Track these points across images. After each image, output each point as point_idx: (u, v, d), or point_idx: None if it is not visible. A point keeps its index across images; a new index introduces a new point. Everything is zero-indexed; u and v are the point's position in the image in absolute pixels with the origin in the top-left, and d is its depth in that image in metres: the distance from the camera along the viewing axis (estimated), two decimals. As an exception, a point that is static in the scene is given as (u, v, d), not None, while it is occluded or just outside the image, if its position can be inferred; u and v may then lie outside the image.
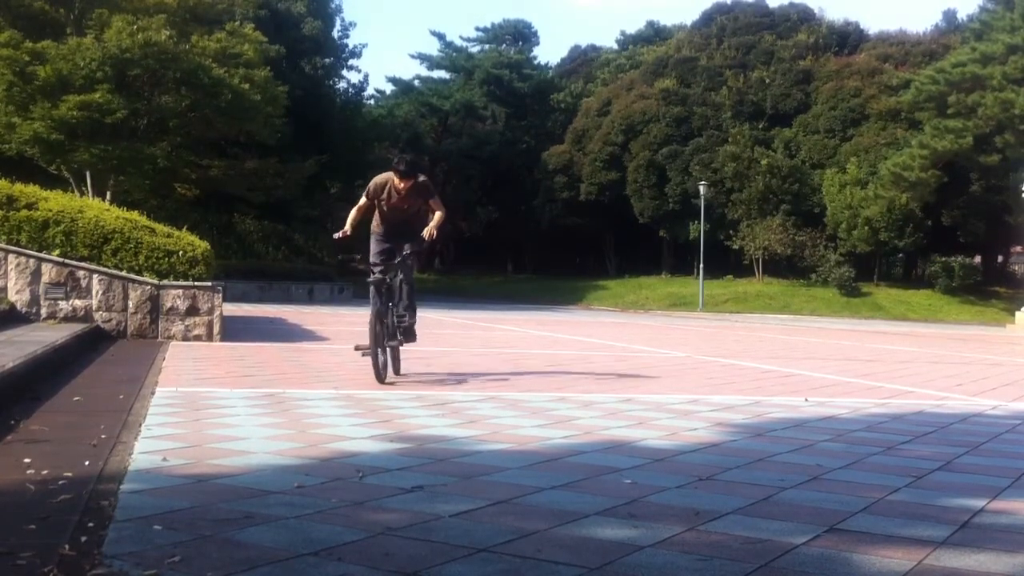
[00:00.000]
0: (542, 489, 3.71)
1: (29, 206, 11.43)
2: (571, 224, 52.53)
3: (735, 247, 43.00)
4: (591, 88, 57.91)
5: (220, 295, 11.52)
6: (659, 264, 49.82)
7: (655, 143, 46.66)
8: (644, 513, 3.37)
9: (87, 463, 3.89)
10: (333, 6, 45.51)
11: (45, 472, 3.70)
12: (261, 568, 2.60)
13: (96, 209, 12.41)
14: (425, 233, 7.39)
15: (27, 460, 3.91)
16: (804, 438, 5.23)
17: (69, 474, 3.67)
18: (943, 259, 39.83)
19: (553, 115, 58.72)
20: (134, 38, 25.26)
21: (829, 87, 44.50)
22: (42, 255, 11.00)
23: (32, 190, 12.17)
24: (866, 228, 38.90)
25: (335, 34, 45.81)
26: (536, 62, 63.13)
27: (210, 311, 11.31)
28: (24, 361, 6.38)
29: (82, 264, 11.07)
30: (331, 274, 33.93)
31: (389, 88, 63.55)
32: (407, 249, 7.37)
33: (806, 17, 51.63)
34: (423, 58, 62.54)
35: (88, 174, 26.55)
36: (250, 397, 6.23)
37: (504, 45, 63.22)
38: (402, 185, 7.22)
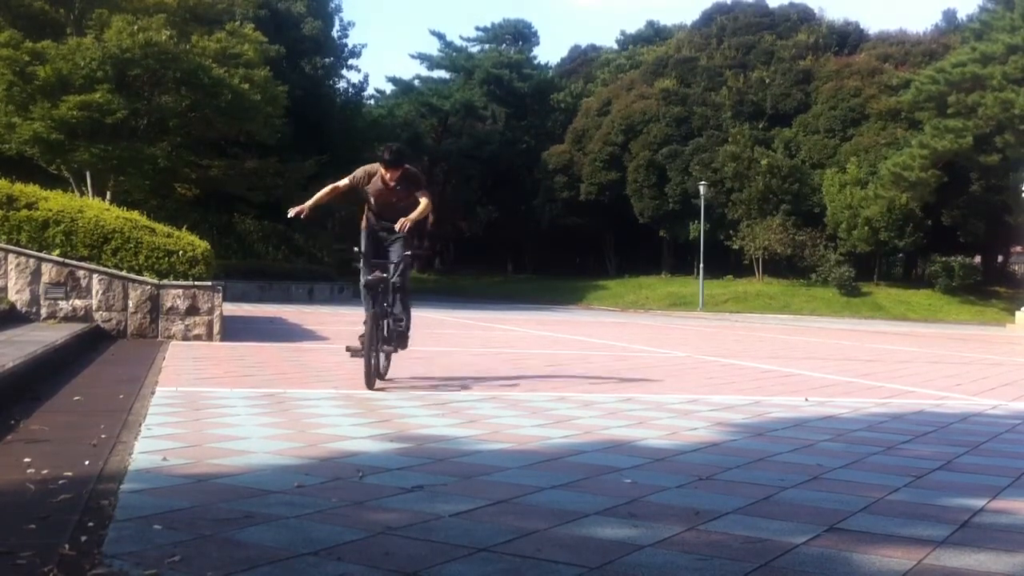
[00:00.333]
0: (542, 489, 3.71)
1: (29, 206, 11.43)
2: (571, 224, 52.55)
3: (735, 247, 43.00)
4: (591, 88, 57.93)
5: (220, 295, 11.52)
6: (659, 264, 49.83)
7: (655, 143, 46.67)
8: (644, 513, 3.37)
9: (87, 463, 3.89)
10: (332, 6, 45.53)
11: (45, 472, 3.70)
12: (261, 568, 2.60)
13: (96, 209, 12.41)
14: (401, 223, 6.93)
15: (27, 460, 3.91)
16: (804, 438, 5.23)
17: (69, 474, 3.67)
18: (943, 259, 39.84)
19: (553, 115, 58.73)
20: (134, 38, 25.26)
21: (829, 87, 44.51)
22: (42, 255, 11.00)
23: (32, 190, 12.16)
24: (866, 228, 38.91)
25: (334, 34, 45.83)
26: (536, 62, 63.17)
27: (210, 311, 11.31)
28: (24, 361, 6.38)
29: (82, 264, 11.07)
30: (331, 274, 33.92)
31: (389, 88, 63.68)
32: (401, 250, 7.08)
33: (806, 17, 51.64)
34: (423, 58, 62.61)
35: (88, 174, 26.54)
36: (250, 397, 6.23)
37: (504, 45, 63.23)
38: (389, 175, 6.91)
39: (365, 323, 6.97)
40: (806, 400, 7.07)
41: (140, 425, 4.92)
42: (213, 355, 9.38)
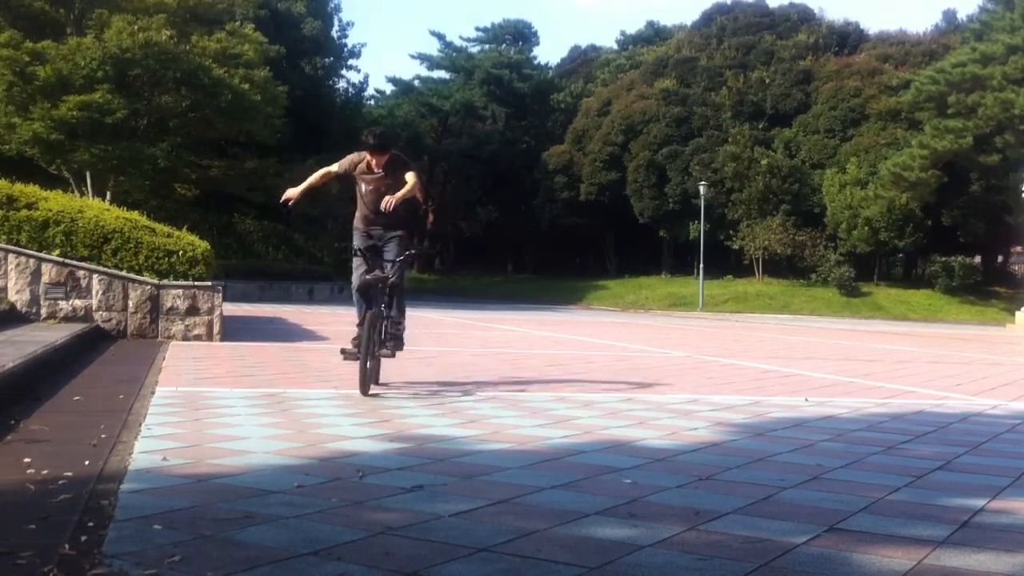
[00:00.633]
0: (542, 489, 3.71)
1: (29, 206, 11.43)
2: (571, 224, 52.55)
3: (735, 247, 43.01)
4: (591, 88, 57.93)
5: (220, 295, 11.52)
6: (659, 264, 49.83)
7: (655, 143, 46.67)
8: (644, 513, 3.37)
9: (87, 463, 3.89)
10: (332, 5, 45.53)
11: (45, 472, 3.70)
12: (261, 568, 2.60)
13: (96, 209, 12.41)
14: (386, 201, 6.46)
15: (27, 460, 3.91)
16: (804, 438, 5.23)
17: (69, 474, 3.67)
18: (943, 259, 39.85)
19: (553, 115, 58.73)
20: (134, 38, 25.27)
21: (829, 87, 44.51)
22: (42, 255, 11.00)
23: (32, 190, 12.16)
24: (866, 228, 38.91)
25: (334, 34, 45.84)
26: (536, 62, 63.15)
27: (210, 311, 11.31)
28: (24, 361, 6.38)
29: (82, 264, 11.07)
30: (331, 274, 33.91)
31: (389, 88, 63.66)
32: (397, 249, 6.74)
33: (806, 17, 51.64)
34: (423, 58, 62.59)
35: (88, 174, 26.55)
36: (250, 397, 6.23)
37: (504, 45, 63.21)
38: (375, 161, 6.57)
39: (358, 325, 6.73)
40: (806, 400, 7.07)
41: (140, 425, 4.92)
42: (213, 355, 9.38)
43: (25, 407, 5.38)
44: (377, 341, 6.57)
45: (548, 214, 52.72)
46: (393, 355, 6.76)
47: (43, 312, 10.89)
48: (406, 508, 3.33)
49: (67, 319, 10.83)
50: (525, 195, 54.57)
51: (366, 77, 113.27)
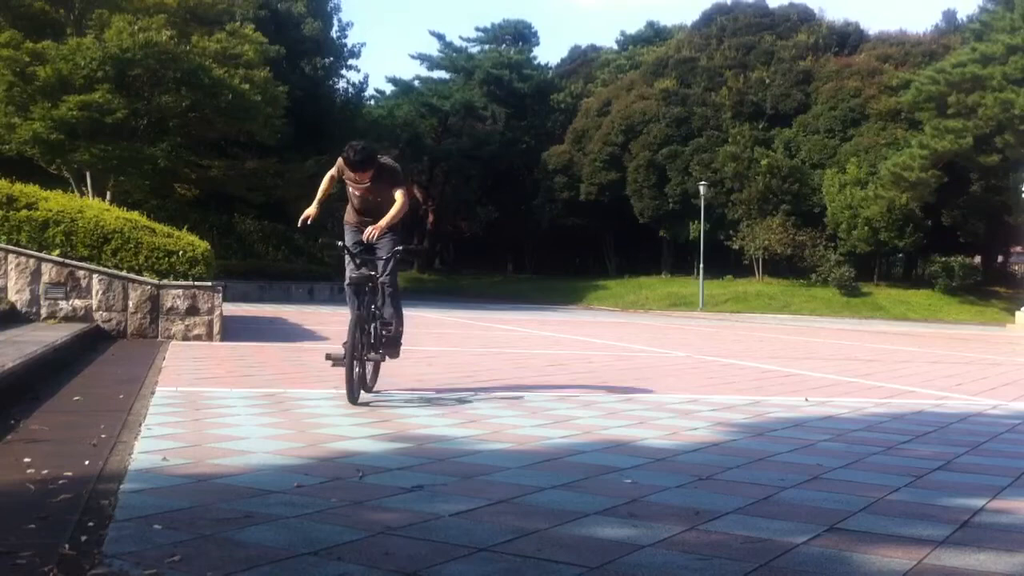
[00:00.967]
0: (542, 489, 3.71)
1: (29, 206, 11.43)
2: (571, 224, 52.57)
3: (735, 247, 43.01)
4: (591, 88, 57.93)
5: (220, 295, 11.52)
6: (659, 264, 49.84)
7: (655, 143, 46.67)
8: (644, 513, 3.37)
9: (87, 463, 3.89)
10: (331, 5, 45.53)
11: (45, 472, 3.70)
12: (261, 568, 2.60)
13: (96, 209, 12.42)
14: (368, 233, 6.16)
15: (27, 460, 3.91)
16: (804, 438, 5.23)
17: (69, 474, 3.67)
18: (943, 259, 39.85)
19: (553, 115, 58.74)
20: (134, 38, 25.28)
21: (829, 87, 44.51)
22: (42, 255, 11.00)
23: (32, 190, 12.17)
24: (866, 228, 38.92)
25: (334, 34, 45.84)
26: (536, 62, 63.14)
27: (210, 311, 11.31)
28: (24, 361, 6.38)
29: (82, 264, 11.07)
30: (332, 274, 33.90)
31: (389, 88, 63.62)
32: (389, 245, 6.33)
33: (806, 17, 51.63)
34: (423, 58, 62.61)
35: (88, 174, 26.55)
36: (250, 397, 6.23)
37: (504, 45, 63.21)
38: (357, 177, 6.17)
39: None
40: (806, 400, 7.07)
41: (140, 425, 4.92)
42: (213, 355, 9.38)
43: (25, 407, 5.38)
44: (366, 344, 6.18)
45: (548, 214, 52.74)
46: (384, 359, 6.39)
47: (43, 312, 10.89)
48: (406, 508, 3.33)
49: (67, 319, 10.83)
50: (525, 195, 54.58)
51: (366, 77, 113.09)
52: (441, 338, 13.52)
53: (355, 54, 48.20)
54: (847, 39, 50.34)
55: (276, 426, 5.07)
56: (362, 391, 6.12)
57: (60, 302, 10.94)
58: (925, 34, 50.40)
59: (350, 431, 4.97)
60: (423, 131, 58.85)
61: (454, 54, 62.06)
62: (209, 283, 11.44)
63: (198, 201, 33.92)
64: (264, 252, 33.36)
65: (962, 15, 50.16)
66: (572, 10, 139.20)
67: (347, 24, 51.46)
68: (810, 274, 40.84)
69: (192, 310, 11.24)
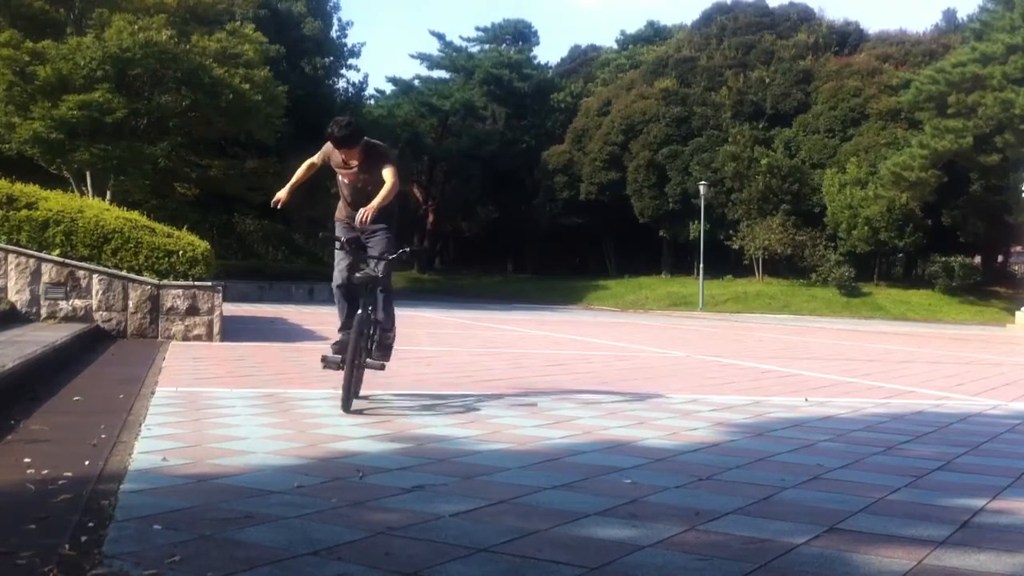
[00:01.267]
0: (542, 489, 3.71)
1: (29, 206, 11.43)
2: (571, 224, 52.55)
3: (735, 247, 43.00)
4: (591, 88, 57.93)
5: (220, 295, 11.52)
6: (659, 264, 49.83)
7: (655, 143, 46.66)
8: (644, 513, 3.37)
9: (87, 463, 3.89)
10: (331, 5, 45.55)
11: (45, 472, 3.70)
12: (261, 568, 2.60)
13: (96, 209, 12.41)
14: (360, 215, 5.67)
15: (27, 460, 3.91)
16: (804, 438, 5.23)
17: (69, 474, 3.67)
18: (943, 259, 39.84)
19: (553, 115, 58.73)
20: (134, 38, 25.28)
21: (829, 87, 44.50)
22: (42, 255, 11.00)
23: (32, 190, 12.17)
24: (866, 228, 38.90)
25: (333, 34, 45.85)
26: (536, 62, 63.14)
27: (210, 311, 11.31)
28: (24, 361, 6.38)
29: (82, 264, 11.07)
30: (331, 274, 33.92)
31: (389, 88, 63.64)
32: (383, 243, 5.92)
33: (806, 17, 51.63)
34: (423, 58, 62.60)
35: (88, 174, 26.55)
36: (250, 397, 6.23)
37: (504, 45, 63.22)
38: (344, 156, 5.80)
39: (340, 330, 6.06)
40: (806, 400, 7.07)
41: (140, 425, 4.92)
42: (213, 355, 9.38)
43: (25, 407, 5.38)
44: (364, 349, 5.85)
45: (548, 214, 52.73)
46: (382, 367, 6.04)
47: (43, 312, 10.89)
48: (406, 508, 3.33)
49: (67, 319, 10.83)
50: (525, 195, 54.58)
51: (366, 77, 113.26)
52: (441, 338, 13.52)
53: (355, 54, 48.24)
54: (847, 39, 50.33)
55: (276, 426, 5.07)
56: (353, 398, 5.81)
57: (60, 302, 10.94)
58: (925, 34, 50.39)
59: (350, 431, 4.97)
60: (423, 131, 58.85)
61: (454, 54, 62.06)
62: (209, 283, 11.44)
63: (198, 201, 33.92)
64: (264, 252, 33.38)
65: (962, 15, 50.20)
66: (572, 10, 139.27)
67: (347, 24, 51.54)
68: (810, 274, 40.84)
69: (192, 310, 11.24)
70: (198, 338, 11.14)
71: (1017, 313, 30.54)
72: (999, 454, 4.98)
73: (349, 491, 3.56)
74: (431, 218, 60.36)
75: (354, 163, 5.82)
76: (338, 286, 5.96)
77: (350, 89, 48.94)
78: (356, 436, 4.82)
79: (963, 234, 40.13)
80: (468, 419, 5.54)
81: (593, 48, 67.35)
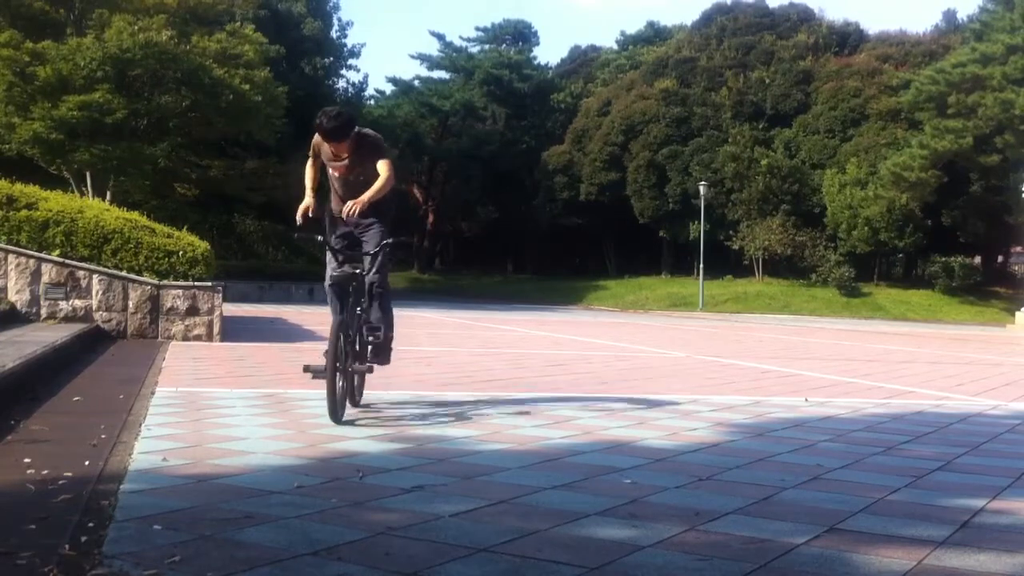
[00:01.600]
0: (542, 489, 3.70)
1: (29, 206, 11.43)
2: (571, 224, 52.56)
3: (735, 247, 43.00)
4: (591, 88, 57.93)
5: (220, 295, 11.52)
6: (659, 264, 49.83)
7: (655, 143, 46.67)
8: (644, 513, 3.37)
9: (87, 463, 3.89)
10: (331, 5, 45.57)
11: (45, 472, 3.70)
12: (261, 568, 2.60)
13: (96, 209, 12.42)
14: (349, 208, 5.32)
15: (27, 460, 3.90)
16: (804, 438, 5.23)
17: (69, 474, 3.67)
18: (943, 259, 39.84)
19: (553, 115, 58.74)
20: (134, 38, 25.29)
21: (829, 87, 44.50)
22: (42, 255, 11.00)
23: (32, 190, 12.17)
24: (866, 228, 38.90)
25: (333, 34, 45.87)
26: (536, 62, 63.14)
27: (210, 311, 11.31)
28: (24, 361, 6.38)
29: (82, 264, 11.07)
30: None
31: (389, 88, 63.66)
32: (377, 239, 5.56)
33: (806, 17, 51.63)
34: (423, 58, 62.60)
35: (88, 174, 26.56)
36: (250, 397, 6.23)
37: (504, 45, 63.21)
38: (334, 148, 5.42)
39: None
40: (806, 400, 7.07)
41: (140, 425, 4.92)
42: (213, 355, 9.38)
43: (25, 407, 5.38)
44: (351, 353, 5.37)
45: (548, 214, 52.73)
46: (371, 370, 5.56)
47: (43, 312, 10.89)
48: (406, 508, 3.33)
49: (67, 319, 10.83)
50: (525, 195, 54.58)
51: (366, 77, 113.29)
52: (441, 338, 13.52)
53: (355, 54, 48.28)
54: (847, 39, 50.33)
55: (276, 426, 5.07)
56: (347, 406, 5.37)
57: (60, 302, 10.94)
58: (925, 34, 50.40)
59: (350, 431, 4.97)
60: (423, 131, 58.85)
61: (454, 54, 62.05)
62: (209, 283, 11.45)
63: (198, 201, 33.94)
64: (264, 252, 33.39)
65: (962, 15, 50.20)
66: (572, 10, 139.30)
67: (347, 24, 51.51)
68: (810, 274, 40.84)
69: (192, 310, 11.24)
70: (198, 338, 11.14)
71: (1017, 313, 30.54)
72: (999, 454, 4.97)
73: (349, 491, 3.56)
74: (431, 218, 60.36)
75: (345, 156, 5.45)
76: (330, 286, 5.56)
77: (350, 89, 48.99)
78: (356, 436, 4.82)
79: (963, 234, 40.13)
80: (468, 419, 5.54)
81: (593, 48, 67.36)
